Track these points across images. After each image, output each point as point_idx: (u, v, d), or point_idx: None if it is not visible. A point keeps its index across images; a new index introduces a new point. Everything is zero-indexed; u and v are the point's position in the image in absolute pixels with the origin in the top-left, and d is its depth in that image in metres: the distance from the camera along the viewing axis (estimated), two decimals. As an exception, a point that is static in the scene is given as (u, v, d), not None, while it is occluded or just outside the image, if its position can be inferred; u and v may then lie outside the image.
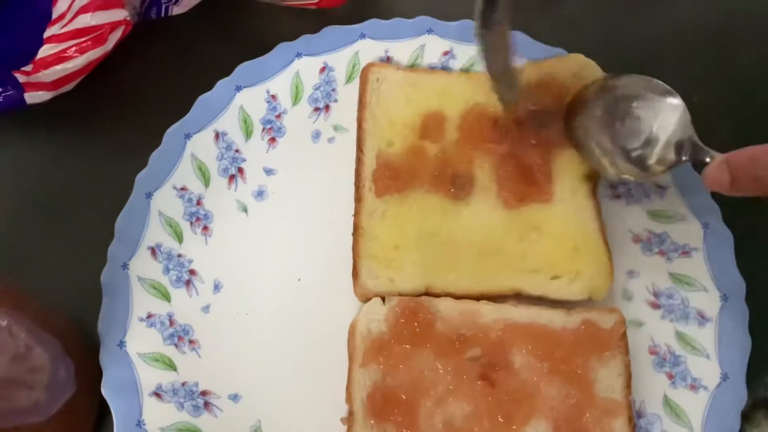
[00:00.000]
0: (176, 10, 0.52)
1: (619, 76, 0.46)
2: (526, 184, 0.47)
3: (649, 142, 0.42)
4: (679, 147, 0.41)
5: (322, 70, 0.50)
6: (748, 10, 0.56)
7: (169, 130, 0.47)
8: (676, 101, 0.43)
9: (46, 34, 0.49)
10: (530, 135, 0.47)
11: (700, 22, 0.55)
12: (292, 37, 0.51)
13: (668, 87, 0.43)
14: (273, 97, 0.49)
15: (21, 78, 0.48)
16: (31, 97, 0.48)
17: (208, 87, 0.49)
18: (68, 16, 0.49)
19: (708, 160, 0.40)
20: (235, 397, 0.43)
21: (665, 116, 0.42)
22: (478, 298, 0.44)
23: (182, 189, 0.46)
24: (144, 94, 0.52)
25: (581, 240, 0.45)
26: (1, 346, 0.33)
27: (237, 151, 0.48)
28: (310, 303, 0.45)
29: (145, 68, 0.53)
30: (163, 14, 0.52)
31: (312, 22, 0.52)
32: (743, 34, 0.55)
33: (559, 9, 0.56)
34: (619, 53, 0.51)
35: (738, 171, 0.36)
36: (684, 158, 0.41)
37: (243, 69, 0.49)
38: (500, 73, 0.43)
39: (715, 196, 0.47)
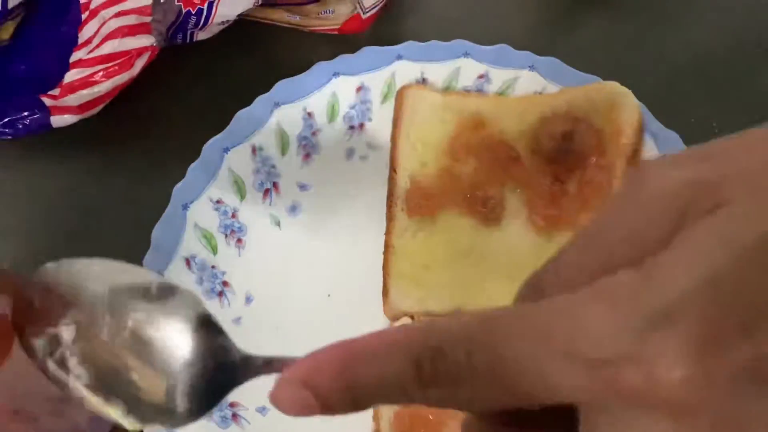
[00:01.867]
0: (201, 36, 0.53)
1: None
2: (556, 210, 0.47)
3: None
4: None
5: (359, 89, 0.51)
6: (766, 34, 0.56)
7: (208, 144, 0.48)
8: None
9: (73, 58, 0.50)
10: (555, 164, 0.47)
11: (722, 47, 0.55)
12: (313, 61, 0.51)
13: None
14: (309, 114, 0.50)
15: (48, 102, 0.49)
16: (58, 121, 0.49)
17: (233, 109, 0.49)
18: (95, 41, 0.50)
19: None
20: (263, 410, 0.43)
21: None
22: (507, 321, 0.44)
23: (218, 202, 0.47)
24: (168, 116, 0.53)
25: (611, 267, 0.45)
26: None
27: (273, 166, 0.49)
28: (340, 319, 0.45)
29: (169, 91, 0.54)
30: (188, 40, 0.53)
31: (334, 46, 0.53)
32: (762, 59, 0.55)
33: (576, 34, 0.56)
34: (636, 78, 0.50)
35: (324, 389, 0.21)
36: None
37: (281, 86, 0.50)
38: None
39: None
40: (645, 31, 0.57)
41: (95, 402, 0.26)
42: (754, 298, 0.15)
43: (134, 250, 0.45)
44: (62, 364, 0.27)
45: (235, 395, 0.43)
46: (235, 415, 0.43)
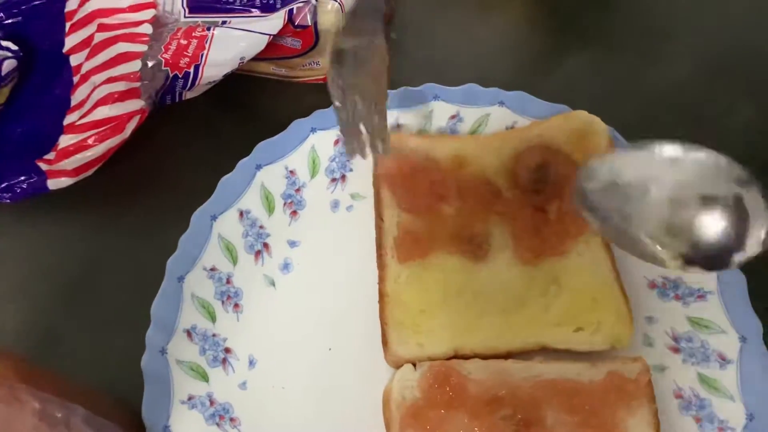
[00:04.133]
0: (189, 95, 0.54)
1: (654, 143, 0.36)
2: (540, 240, 0.48)
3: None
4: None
5: (337, 142, 0.52)
6: (746, 64, 0.58)
7: (196, 213, 0.49)
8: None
9: (66, 121, 0.52)
10: (534, 194, 0.49)
11: (698, 78, 0.57)
12: (302, 110, 0.53)
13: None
14: (291, 172, 0.51)
15: (44, 166, 0.51)
16: (54, 184, 0.51)
17: (225, 165, 0.51)
18: (87, 106, 0.51)
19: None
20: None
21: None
22: (506, 356, 0.45)
23: (212, 269, 0.48)
24: (161, 175, 0.55)
25: (599, 290, 0.47)
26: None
27: (261, 227, 0.50)
28: (343, 372, 0.47)
29: (161, 150, 0.55)
30: (177, 100, 0.54)
31: (321, 95, 0.54)
32: (742, 88, 0.57)
33: (560, 67, 0.58)
34: (621, 109, 0.52)
35: None
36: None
37: (261, 148, 0.51)
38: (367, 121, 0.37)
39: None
40: (624, 67, 0.58)
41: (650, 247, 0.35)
42: None
43: (134, 307, 0.46)
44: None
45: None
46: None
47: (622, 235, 0.36)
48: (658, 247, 0.34)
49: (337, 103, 0.37)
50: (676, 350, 0.47)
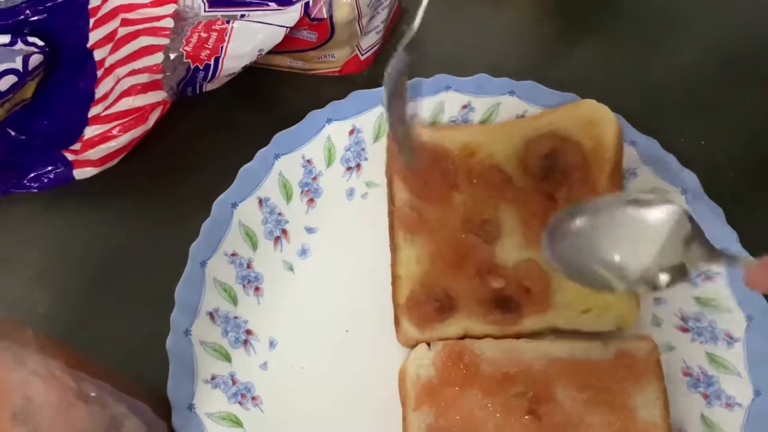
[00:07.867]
0: (209, 87, 0.56)
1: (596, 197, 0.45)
2: (550, 224, 0.50)
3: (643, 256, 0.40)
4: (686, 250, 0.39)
5: (351, 132, 0.54)
6: (752, 51, 0.59)
7: (217, 201, 0.50)
8: (668, 208, 0.40)
9: (91, 113, 0.54)
10: (544, 181, 0.50)
11: (705, 67, 0.58)
12: (319, 102, 0.54)
13: (662, 197, 0.41)
14: (308, 161, 0.53)
15: (70, 156, 0.53)
16: (80, 173, 0.53)
17: (244, 155, 0.52)
18: (111, 98, 0.53)
19: (701, 267, 0.39)
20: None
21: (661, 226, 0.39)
22: (517, 336, 0.47)
23: (233, 255, 0.50)
24: (183, 164, 0.56)
25: (608, 273, 0.48)
26: (96, 420, 0.36)
27: (280, 214, 0.52)
28: (360, 352, 0.48)
29: (183, 140, 0.57)
30: (197, 92, 0.56)
31: (336, 87, 0.56)
32: (747, 76, 0.58)
33: (569, 57, 0.59)
34: (629, 97, 0.54)
35: None
36: (696, 266, 0.39)
37: (279, 138, 0.53)
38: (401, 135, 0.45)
39: (731, 220, 0.50)
40: (631, 55, 0.59)
41: (600, 273, 0.40)
42: None
43: (158, 291, 0.48)
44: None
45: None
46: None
47: (577, 268, 0.42)
48: (609, 274, 0.40)
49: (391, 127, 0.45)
50: (685, 330, 0.48)
